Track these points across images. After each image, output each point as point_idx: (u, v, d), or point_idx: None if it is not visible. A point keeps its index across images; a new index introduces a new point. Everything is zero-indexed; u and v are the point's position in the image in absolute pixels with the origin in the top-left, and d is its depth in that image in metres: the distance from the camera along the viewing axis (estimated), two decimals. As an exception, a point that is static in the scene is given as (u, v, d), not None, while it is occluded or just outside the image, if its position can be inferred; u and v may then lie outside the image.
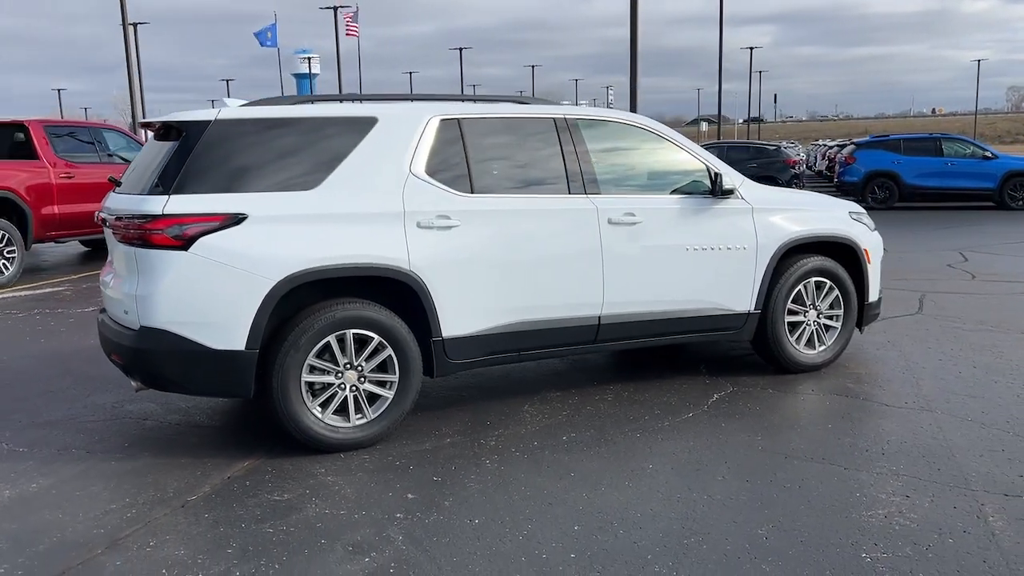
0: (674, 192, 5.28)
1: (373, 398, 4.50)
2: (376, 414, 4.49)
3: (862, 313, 5.90)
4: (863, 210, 6.10)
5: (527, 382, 5.70)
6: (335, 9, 41.56)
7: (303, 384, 4.30)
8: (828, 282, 5.70)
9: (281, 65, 52.48)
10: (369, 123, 4.57)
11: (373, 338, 4.42)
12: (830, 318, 5.77)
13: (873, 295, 5.93)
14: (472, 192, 4.70)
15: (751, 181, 5.64)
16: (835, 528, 3.46)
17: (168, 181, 4.18)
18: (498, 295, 4.71)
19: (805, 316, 5.68)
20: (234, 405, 5.23)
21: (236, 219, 4.17)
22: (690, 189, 5.30)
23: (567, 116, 5.09)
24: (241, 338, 4.16)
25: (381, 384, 4.50)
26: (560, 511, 3.68)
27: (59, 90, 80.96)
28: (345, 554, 3.33)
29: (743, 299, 5.43)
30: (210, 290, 4.13)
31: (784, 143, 34.44)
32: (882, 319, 7.23)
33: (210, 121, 4.30)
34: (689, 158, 5.39)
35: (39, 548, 3.43)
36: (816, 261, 5.64)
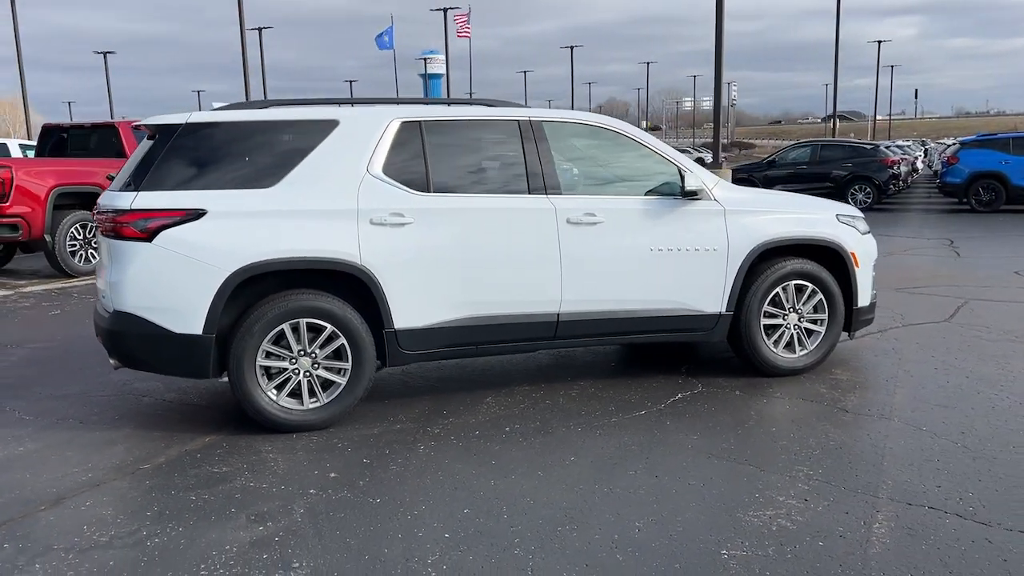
0: (641, 193, 5.35)
1: (327, 384, 4.80)
2: (329, 399, 4.79)
3: (850, 318, 5.78)
4: (858, 213, 5.97)
5: (503, 374, 5.90)
6: (444, 11, 42.57)
7: (258, 368, 4.65)
8: (810, 285, 5.62)
9: (398, 66, 53.92)
10: (331, 125, 4.87)
11: (326, 327, 4.73)
12: (814, 322, 5.69)
13: (863, 299, 5.80)
14: (429, 191, 4.94)
15: (728, 183, 5.64)
16: (712, 525, 3.51)
17: (139, 179, 4.62)
18: (451, 290, 4.93)
19: (785, 319, 5.63)
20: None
21: (196, 214, 4.56)
22: (659, 191, 5.35)
23: (531, 118, 5.25)
24: (199, 323, 4.55)
25: (335, 371, 4.80)
26: (461, 495, 3.87)
27: (198, 91, 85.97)
28: (245, 522, 3.63)
29: (713, 301, 5.44)
30: (171, 278, 4.54)
31: (895, 142, 32.78)
32: (903, 325, 7.04)
33: (181, 124, 4.72)
34: (658, 160, 5.44)
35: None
36: (795, 264, 5.58)
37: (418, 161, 4.97)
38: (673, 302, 5.38)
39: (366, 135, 4.90)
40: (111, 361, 4.86)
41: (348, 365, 4.80)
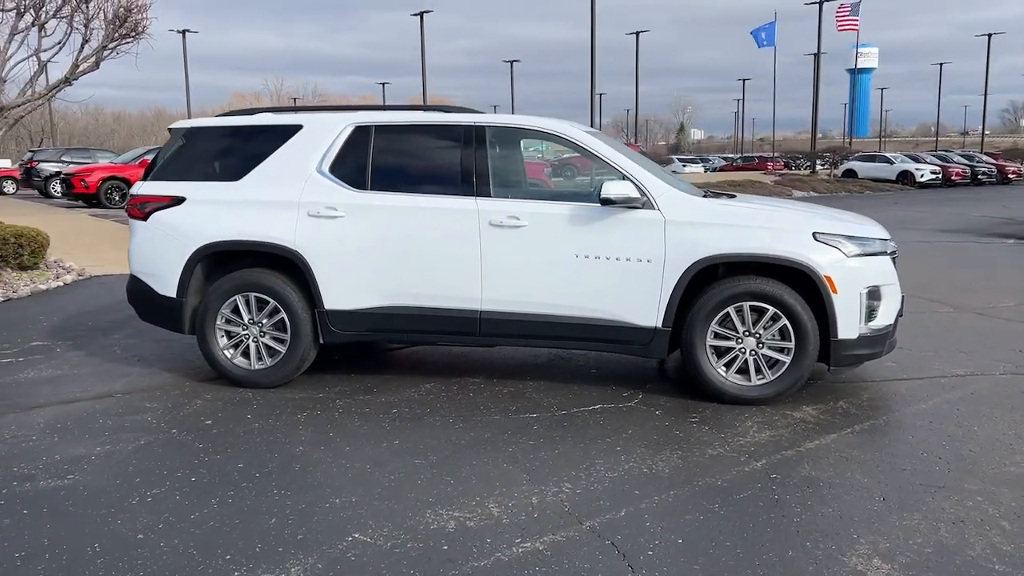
0: (574, 199, 5.31)
1: (272, 351, 5.61)
2: (273, 363, 5.60)
3: (828, 350, 5.11)
4: (854, 233, 5.19)
5: (483, 366, 6.17)
6: (820, 3, 40.17)
7: (217, 330, 5.62)
8: (771, 308, 5.09)
9: (777, 64, 51.86)
10: (295, 129, 5.64)
11: (270, 302, 5.54)
12: (780, 350, 5.14)
13: (846, 331, 5.07)
14: (366, 189, 5.48)
15: (685, 192, 5.30)
16: (411, 519, 3.67)
17: (150, 172, 5.84)
18: (375, 279, 5.43)
19: (740, 343, 5.17)
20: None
21: (178, 200, 5.64)
22: (586, 197, 5.27)
23: (476, 123, 5.49)
24: (174, 288, 5.64)
25: (278, 340, 5.59)
26: (283, 451, 4.44)
27: (601, 95, 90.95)
28: (109, 437, 4.60)
29: (646, 314, 5.21)
30: (157, 250, 5.68)
31: None
32: (968, 374, 5.89)
33: (183, 128, 5.84)
34: (601, 166, 5.33)
35: (19, 400, 5.34)
36: (751, 283, 5.10)
37: (362, 162, 5.53)
38: (600, 311, 5.27)
39: (321, 138, 5.59)
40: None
41: (287, 336, 5.55)
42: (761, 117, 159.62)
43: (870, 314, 5.16)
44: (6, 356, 6.57)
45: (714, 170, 54.82)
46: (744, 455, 4.37)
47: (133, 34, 10.58)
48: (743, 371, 5.20)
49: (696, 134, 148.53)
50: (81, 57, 10.06)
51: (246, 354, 5.64)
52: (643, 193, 5.20)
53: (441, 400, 5.34)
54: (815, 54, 42.37)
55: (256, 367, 5.62)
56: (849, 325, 5.08)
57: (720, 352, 5.21)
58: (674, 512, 3.70)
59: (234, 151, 5.72)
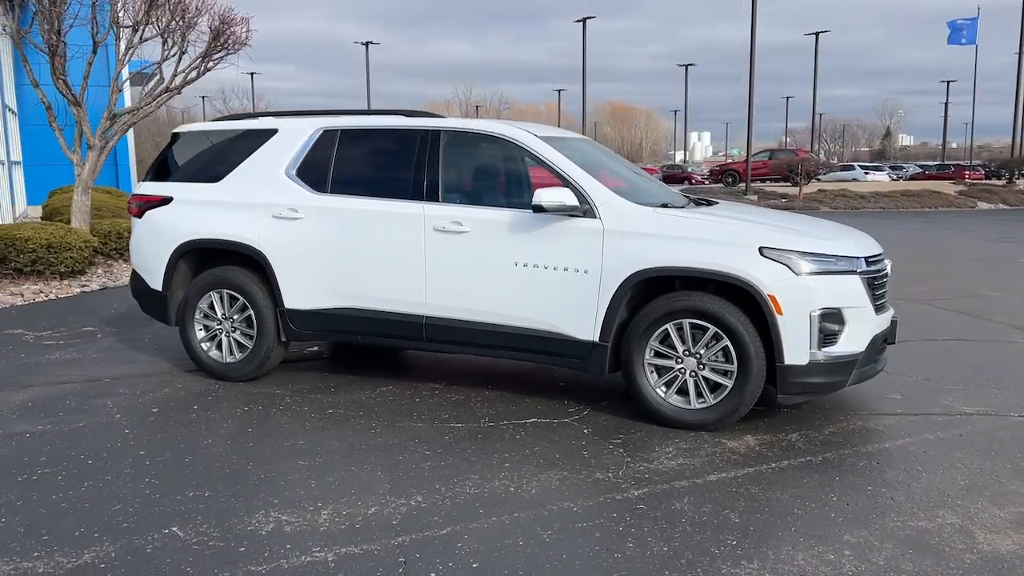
0: (520, 206, 5.15)
1: (242, 346, 5.85)
2: (241, 357, 5.83)
3: (775, 377, 4.67)
4: (809, 249, 4.69)
5: (460, 373, 6.13)
6: (1023, -3, 36.38)
7: (196, 324, 5.92)
8: (711, 327, 4.73)
9: (991, 65, 47.30)
10: (270, 133, 5.85)
11: (239, 299, 5.78)
12: (724, 373, 4.76)
13: (794, 356, 4.61)
14: (326, 192, 5.59)
15: (625, 201, 5.00)
16: (238, 518, 3.74)
17: (147, 173, 6.24)
18: (328, 279, 5.53)
19: (680, 363, 4.84)
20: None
21: (166, 200, 5.99)
22: (524, 204, 5.10)
23: (432, 128, 5.45)
24: (160, 282, 6.01)
25: (247, 336, 5.82)
26: (215, 436, 4.65)
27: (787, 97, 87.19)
28: (60, 418, 4.99)
29: (583, 327, 4.98)
30: (149, 246, 6.07)
31: None
32: (984, 413, 5.19)
33: (179, 132, 6.20)
34: (549, 174, 5.14)
35: (22, 379, 5.91)
36: (689, 300, 4.76)
37: (326, 165, 5.64)
38: (539, 322, 5.09)
39: (293, 142, 5.75)
40: (141, 302, 6.60)
41: (254, 332, 5.77)
42: (984, 122, 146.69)
43: (826, 339, 4.66)
44: (53, 339, 7.24)
45: (903, 179, 51.09)
46: (629, 482, 4.08)
47: (235, 46, 11.32)
48: (685, 393, 4.85)
49: (905, 139, 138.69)
50: (181, 68, 10.90)
51: (220, 348, 5.90)
52: (585, 201, 4.98)
53: (384, 404, 5.35)
54: (1018, 52, 38.51)
55: (227, 360, 5.87)
56: (797, 350, 4.61)
57: (662, 371, 4.89)
58: (499, 535, 3.52)
59: (218, 154, 6.01)
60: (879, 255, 5.09)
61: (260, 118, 6.14)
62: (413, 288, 5.34)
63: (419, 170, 5.39)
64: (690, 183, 51.89)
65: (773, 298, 4.59)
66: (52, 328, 7.66)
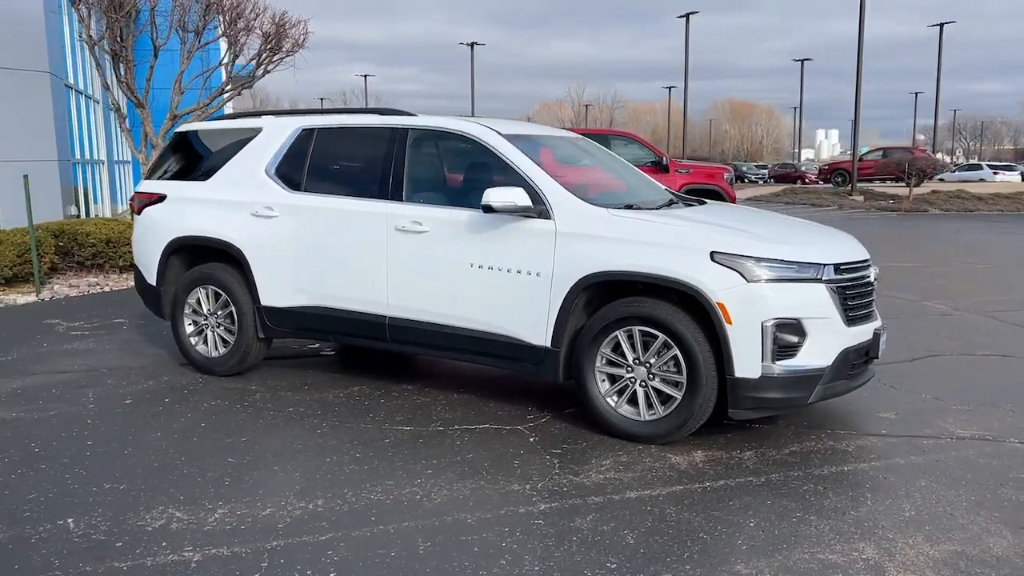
0: (474, 206, 5.02)
1: (225, 341, 5.96)
2: (224, 352, 5.94)
3: (724, 389, 4.38)
4: (765, 255, 4.36)
5: (441, 374, 6.06)
6: None
7: (185, 319, 6.08)
8: (660, 335, 4.48)
9: None
10: (255, 132, 5.93)
11: (222, 295, 5.89)
12: (675, 384, 4.51)
13: (745, 369, 4.30)
14: (299, 191, 5.62)
15: (581, 201, 4.78)
16: (133, 513, 3.79)
17: (148, 172, 6.44)
18: (299, 277, 5.55)
19: (630, 371, 4.61)
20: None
21: (161, 197, 6.17)
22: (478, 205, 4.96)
23: (400, 126, 5.39)
24: (154, 277, 6.19)
25: (229, 331, 5.93)
26: (170, 430, 4.77)
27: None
28: (39, 405, 5.21)
29: (535, 331, 4.81)
30: (145, 242, 6.26)
31: None
32: (985, 438, 4.72)
33: (178, 131, 6.37)
34: (505, 170, 4.99)
35: (30, 366, 6.23)
36: (638, 306, 4.52)
37: (302, 164, 5.67)
38: (494, 325, 4.95)
39: (274, 140, 5.81)
40: (146, 298, 6.81)
41: (235, 328, 5.87)
42: None
43: (783, 351, 4.33)
44: (81, 329, 7.59)
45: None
46: (543, 495, 3.91)
47: (294, 48, 11.61)
48: (637, 403, 4.62)
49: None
50: (235, 71, 11.26)
51: (206, 342, 6.03)
52: (540, 201, 4.81)
53: (347, 404, 5.33)
54: None
55: (212, 355, 5.99)
56: (748, 362, 4.31)
57: (615, 380, 4.68)
58: (377, 544, 3.42)
59: (209, 153, 6.15)
60: (857, 262, 4.70)
61: (257, 118, 6.24)
62: (376, 288, 5.30)
63: (385, 169, 5.35)
64: (803, 182, 49.99)
65: (722, 306, 4.30)
66: (86, 319, 8.03)
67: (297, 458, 4.39)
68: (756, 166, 64.84)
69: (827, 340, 4.42)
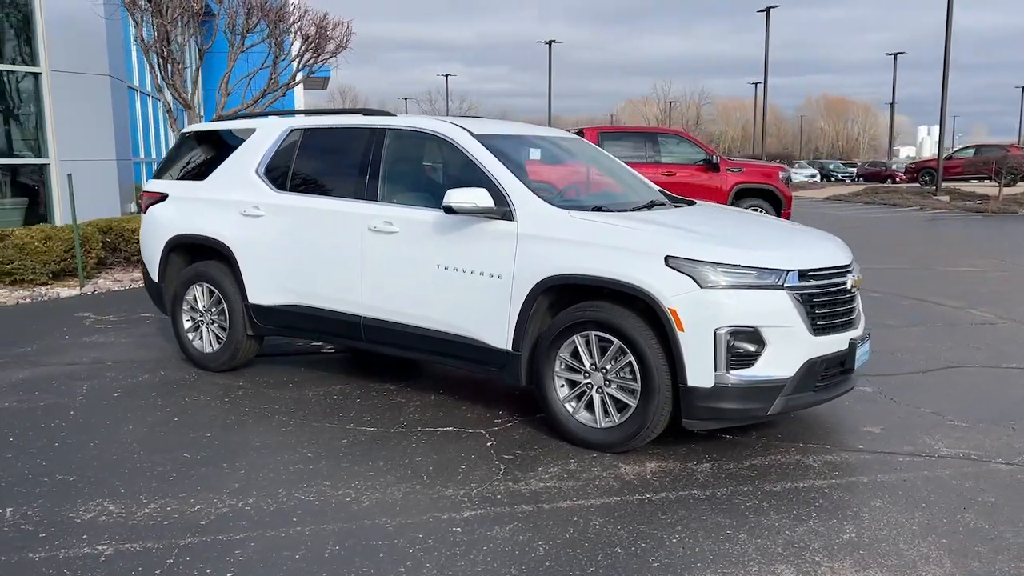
0: (439, 207, 4.97)
1: (219, 337, 6.09)
2: (217, 348, 6.07)
3: (678, 397, 4.23)
4: (722, 259, 4.17)
5: (425, 375, 6.05)
6: None
7: (184, 315, 6.23)
8: (616, 341, 4.36)
9: None
10: (249, 132, 6.03)
11: (215, 292, 6.02)
12: (631, 392, 4.38)
13: (697, 378, 4.14)
14: (285, 191, 5.69)
15: (543, 203, 4.68)
16: (68, 504, 3.91)
17: (156, 171, 6.63)
18: (281, 276, 5.62)
19: (588, 377, 4.50)
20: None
21: (164, 196, 6.34)
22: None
23: (378, 126, 5.39)
24: (156, 274, 6.38)
25: (222, 328, 6.05)
26: (142, 423, 4.92)
27: None
28: (35, 395, 5.43)
29: (498, 334, 4.75)
30: (148, 240, 6.45)
31: None
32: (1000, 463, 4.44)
33: (183, 132, 6.53)
34: (474, 171, 4.93)
35: (43, 358, 6.51)
36: (593, 311, 4.41)
37: (287, 164, 5.74)
38: (459, 327, 4.90)
39: (265, 141, 5.89)
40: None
41: (227, 325, 5.99)
42: None
43: (739, 360, 4.15)
44: (106, 323, 7.89)
45: None
46: (473, 502, 3.84)
47: (337, 49, 11.79)
48: (594, 410, 4.51)
49: None
50: (278, 72, 11.50)
51: (202, 338, 6.17)
52: (504, 202, 4.74)
53: (322, 403, 5.36)
54: None
55: (207, 351, 6.13)
56: (701, 371, 4.14)
57: (574, 386, 4.57)
58: (286, 547, 3.42)
59: (207, 153, 6.28)
60: (829, 268, 4.46)
61: (254, 119, 6.35)
62: (352, 287, 5.32)
63: (363, 169, 5.36)
64: (893, 181, 48.13)
65: (674, 312, 4.15)
66: (115, 313, 8.33)
67: (249, 455, 4.44)
68: (844, 164, 62.67)
69: (789, 350, 4.22)
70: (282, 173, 5.75)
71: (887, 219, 22.42)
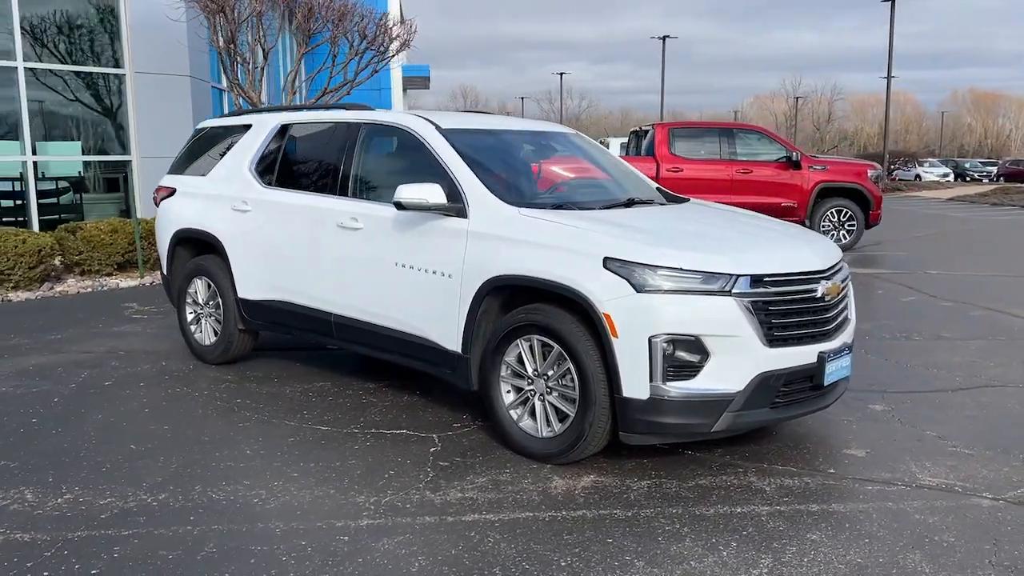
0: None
1: (216, 330, 6.17)
2: (213, 341, 6.15)
3: (615, 408, 3.94)
4: (662, 262, 3.84)
5: (409, 375, 5.94)
6: None
7: (187, 308, 6.35)
8: (556, 347, 4.11)
9: None
10: (245, 129, 6.07)
11: (212, 285, 6.10)
12: (571, 401, 4.12)
13: (632, 388, 3.83)
14: (270, 186, 5.69)
15: (496, 200, 4.46)
16: (4, 491, 4.00)
17: (172, 167, 6.78)
18: (264, 272, 5.63)
19: (531, 384, 4.27)
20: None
21: (173, 191, 6.48)
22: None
23: (353, 121, 5.30)
24: (166, 267, 6.53)
25: (219, 322, 6.13)
26: (126, 413, 5.05)
27: None
28: (33, 382, 5.66)
29: (448, 336, 4.57)
30: (161, 234, 6.60)
31: None
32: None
33: (200, 128, 6.65)
34: (434, 165, 4.76)
35: (67, 346, 6.79)
36: (534, 314, 4.17)
37: (274, 159, 5.74)
38: (414, 327, 4.76)
39: (258, 137, 5.92)
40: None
41: (222, 317, 6.06)
42: None
43: (678, 371, 3.82)
44: (142, 313, 8.17)
45: None
46: (377, 511, 3.69)
47: (401, 48, 11.85)
48: (535, 415, 4.27)
49: None
50: (336, 71, 11.65)
51: (202, 331, 6.27)
52: (459, 199, 4.56)
53: (294, 400, 5.32)
54: None
55: (205, 343, 6.22)
56: (636, 381, 3.84)
57: (520, 391, 4.35)
58: (167, 546, 3.36)
59: (212, 149, 6.37)
60: (792, 274, 4.04)
61: (254, 114, 6.40)
62: (323, 284, 5.27)
63: (337, 164, 5.30)
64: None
65: (608, 317, 3.86)
66: (157, 305, 8.59)
67: (190, 450, 4.44)
68: (981, 162, 58.66)
69: (737, 362, 3.85)
70: (269, 169, 5.76)
71: (1005, 221, 20.75)
